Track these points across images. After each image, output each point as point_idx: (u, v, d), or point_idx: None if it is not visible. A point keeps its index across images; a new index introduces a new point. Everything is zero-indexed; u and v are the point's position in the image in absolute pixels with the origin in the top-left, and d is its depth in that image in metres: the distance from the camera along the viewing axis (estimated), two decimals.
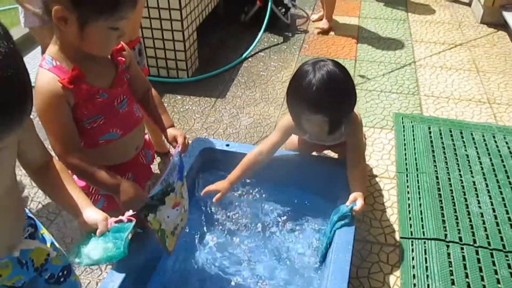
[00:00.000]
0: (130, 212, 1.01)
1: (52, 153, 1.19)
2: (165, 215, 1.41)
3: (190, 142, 1.74)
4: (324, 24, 3.87)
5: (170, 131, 1.48)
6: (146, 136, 1.58)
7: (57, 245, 1.27)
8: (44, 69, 1.21)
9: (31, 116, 0.89)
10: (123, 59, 1.35)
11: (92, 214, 1.10)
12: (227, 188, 1.78)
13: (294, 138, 2.08)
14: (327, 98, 1.64)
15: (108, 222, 1.09)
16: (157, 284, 1.64)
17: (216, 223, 1.89)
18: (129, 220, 1.04)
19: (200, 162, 2.00)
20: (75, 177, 1.35)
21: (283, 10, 3.86)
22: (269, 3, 3.65)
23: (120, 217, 1.00)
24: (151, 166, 1.63)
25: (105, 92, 1.29)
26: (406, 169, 2.33)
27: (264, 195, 1.97)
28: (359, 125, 1.85)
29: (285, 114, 1.94)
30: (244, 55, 3.40)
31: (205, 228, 1.87)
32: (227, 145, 2.04)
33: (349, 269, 1.50)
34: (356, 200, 1.66)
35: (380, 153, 2.47)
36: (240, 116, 2.79)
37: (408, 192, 2.19)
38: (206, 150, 2.03)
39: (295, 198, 1.96)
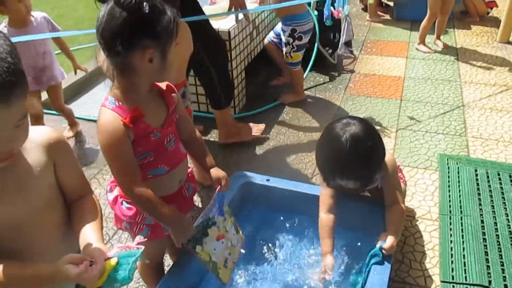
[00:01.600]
0: (139, 239, 1.05)
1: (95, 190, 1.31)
2: (211, 247, 1.51)
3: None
4: (291, 97, 3.51)
5: (213, 172, 1.57)
6: (189, 170, 1.68)
7: None
8: (107, 109, 1.32)
9: (71, 145, 1.03)
10: (174, 100, 1.47)
11: (92, 247, 1.07)
12: (333, 259, 1.74)
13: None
14: (357, 168, 1.70)
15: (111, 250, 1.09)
16: None
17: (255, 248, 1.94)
18: (138, 248, 1.07)
19: (240, 195, 2.07)
20: (123, 207, 1.48)
21: (330, 50, 3.97)
22: (316, 44, 3.77)
23: (128, 244, 1.05)
24: (193, 198, 1.72)
25: (158, 132, 1.40)
26: (450, 211, 2.28)
27: (304, 231, 2.01)
28: (392, 169, 1.85)
29: None
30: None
31: (250, 260, 1.92)
32: (268, 180, 2.11)
33: None
34: (391, 244, 1.64)
35: (423, 194, 2.44)
36: (284, 153, 2.86)
37: (451, 235, 2.13)
38: (246, 184, 2.10)
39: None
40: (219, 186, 1.56)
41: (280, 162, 2.76)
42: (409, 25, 4.99)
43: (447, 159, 2.68)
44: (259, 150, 2.90)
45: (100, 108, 1.35)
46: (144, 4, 1.21)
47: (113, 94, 1.34)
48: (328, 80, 3.80)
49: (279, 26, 3.39)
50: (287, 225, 2.07)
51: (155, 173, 1.45)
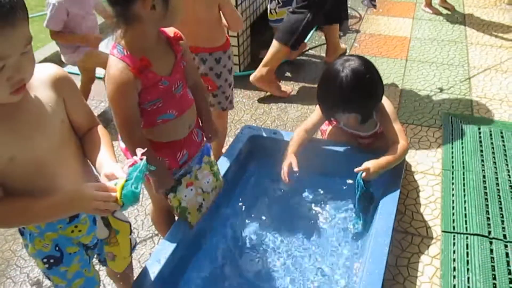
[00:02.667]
0: (141, 151, 1.06)
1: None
2: (182, 194, 1.60)
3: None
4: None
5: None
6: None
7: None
8: (116, 58, 1.33)
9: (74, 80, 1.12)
10: (181, 47, 1.48)
11: (109, 166, 1.10)
12: (296, 159, 1.90)
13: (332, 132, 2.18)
14: (356, 98, 1.81)
15: (123, 168, 1.10)
16: (203, 258, 1.76)
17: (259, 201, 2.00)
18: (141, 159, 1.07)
19: (248, 148, 2.11)
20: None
21: None
22: None
23: (134, 158, 1.04)
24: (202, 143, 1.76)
25: (166, 80, 1.41)
26: (452, 166, 2.32)
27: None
28: (393, 114, 1.95)
29: None
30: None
31: (246, 213, 1.98)
32: (274, 133, 2.14)
33: (387, 253, 1.56)
34: (365, 168, 1.77)
35: (426, 150, 2.48)
36: (288, 109, 2.89)
37: (453, 189, 2.19)
38: (255, 137, 2.14)
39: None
40: (209, 138, 1.66)
41: (286, 117, 2.79)
42: None
43: (451, 117, 2.71)
44: (265, 107, 2.92)
45: (109, 57, 1.36)
46: None
47: (121, 43, 1.34)
48: None
49: None
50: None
51: (164, 117, 1.47)
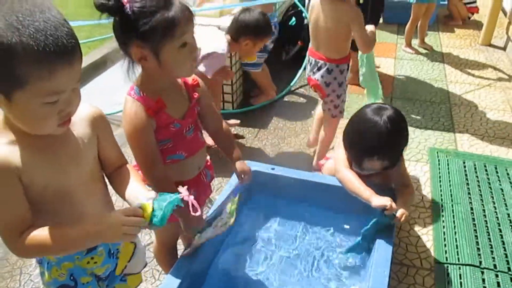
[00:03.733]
0: (186, 188, 1.12)
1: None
2: (207, 234, 1.62)
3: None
4: (261, 99, 3.54)
5: (238, 165, 1.69)
6: (208, 158, 1.76)
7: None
8: (132, 98, 1.40)
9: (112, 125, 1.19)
10: (196, 94, 1.55)
11: (145, 193, 1.15)
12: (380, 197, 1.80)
13: (331, 168, 2.24)
14: (394, 146, 1.87)
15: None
16: None
17: (262, 233, 2.05)
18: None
19: (248, 183, 2.17)
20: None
21: None
22: (310, 43, 3.89)
23: (180, 190, 1.11)
24: (211, 184, 1.82)
25: (179, 122, 1.48)
26: (441, 199, 2.43)
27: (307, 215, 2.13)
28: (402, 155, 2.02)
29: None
30: (284, 91, 3.63)
31: (253, 236, 2.02)
32: (272, 168, 2.21)
33: (387, 283, 1.61)
34: (404, 214, 1.78)
35: (416, 184, 2.58)
36: (281, 145, 2.98)
37: (443, 221, 2.28)
38: (253, 173, 2.20)
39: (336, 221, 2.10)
40: (241, 179, 1.69)
41: (281, 153, 2.88)
42: (396, 28, 5.17)
43: (437, 152, 2.84)
44: (259, 143, 3.01)
45: (125, 97, 1.43)
46: (127, 6, 1.24)
47: (138, 84, 1.41)
48: None
49: None
50: (292, 212, 2.18)
51: (174, 158, 1.53)
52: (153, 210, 1.05)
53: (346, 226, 2.07)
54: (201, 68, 2.52)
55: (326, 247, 2.02)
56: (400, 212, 1.76)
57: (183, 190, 1.11)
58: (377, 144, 1.83)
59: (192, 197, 1.11)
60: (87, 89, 3.91)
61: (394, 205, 1.77)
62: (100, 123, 1.22)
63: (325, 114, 2.57)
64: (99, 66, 4.31)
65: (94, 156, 1.22)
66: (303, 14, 3.85)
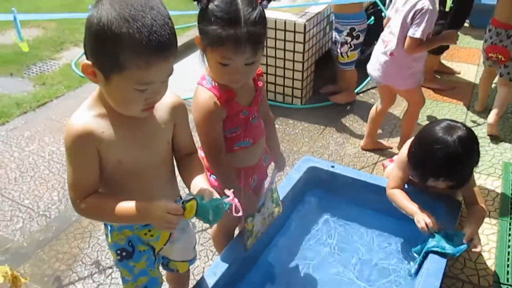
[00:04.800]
0: (231, 191, 1.17)
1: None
2: (257, 220, 1.69)
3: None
4: (342, 97, 3.53)
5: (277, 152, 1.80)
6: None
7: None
8: (204, 88, 1.48)
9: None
10: (261, 82, 1.62)
11: (203, 185, 1.24)
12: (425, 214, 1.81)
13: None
14: (462, 169, 1.78)
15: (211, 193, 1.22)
16: (257, 274, 1.84)
17: (313, 230, 2.07)
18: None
19: (305, 178, 2.20)
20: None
21: None
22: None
23: (227, 193, 1.17)
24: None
25: (246, 110, 1.55)
26: (510, 217, 2.29)
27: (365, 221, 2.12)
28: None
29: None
30: (356, 90, 3.58)
31: (304, 232, 2.06)
32: (332, 166, 2.22)
33: None
34: (472, 239, 1.74)
35: (484, 198, 2.45)
36: (345, 145, 2.96)
37: (509, 240, 2.16)
38: (312, 169, 2.22)
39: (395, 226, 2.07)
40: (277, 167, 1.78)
41: (343, 152, 2.86)
42: (483, 32, 4.86)
43: None
44: (324, 141, 3.01)
45: (197, 86, 1.51)
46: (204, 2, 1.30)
47: (209, 73, 1.48)
48: None
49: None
50: (348, 212, 2.17)
51: (242, 145, 1.60)
52: (198, 208, 1.13)
53: (401, 232, 2.03)
54: (410, 31, 2.42)
55: (376, 251, 2.00)
56: (479, 248, 1.74)
57: (230, 193, 1.17)
58: (445, 166, 1.75)
59: (236, 200, 1.16)
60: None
61: (433, 223, 1.75)
62: (179, 111, 1.31)
63: (504, 79, 2.98)
64: (178, 54, 4.51)
65: (167, 141, 1.31)
66: (383, 14, 3.76)
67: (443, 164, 1.74)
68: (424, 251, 1.74)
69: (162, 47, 1.03)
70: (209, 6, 1.31)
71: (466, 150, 1.73)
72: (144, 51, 1.01)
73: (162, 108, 1.26)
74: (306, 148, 2.93)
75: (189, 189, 1.26)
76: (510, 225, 2.24)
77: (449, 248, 1.69)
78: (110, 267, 2.09)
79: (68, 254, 2.17)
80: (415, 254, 1.82)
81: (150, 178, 1.29)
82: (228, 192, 1.18)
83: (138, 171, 1.25)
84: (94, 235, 2.28)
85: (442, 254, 1.70)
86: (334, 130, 3.14)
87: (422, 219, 1.77)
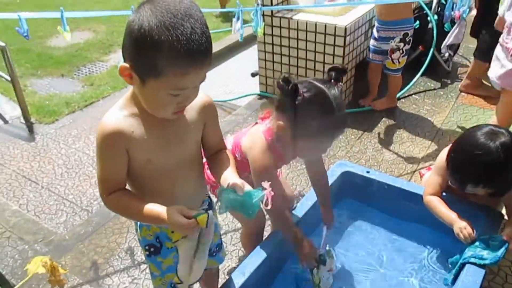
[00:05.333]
0: (269, 183, 1.18)
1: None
2: (322, 274, 1.71)
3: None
4: (383, 103, 3.45)
5: (327, 212, 1.92)
6: None
7: (218, 226, 1.58)
8: (268, 145, 1.62)
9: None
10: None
11: (236, 179, 1.22)
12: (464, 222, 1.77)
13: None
14: (504, 177, 1.69)
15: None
16: (285, 276, 1.84)
17: (345, 237, 2.04)
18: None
19: (339, 183, 2.17)
20: None
21: (445, 56, 3.86)
22: (432, 49, 3.69)
23: (264, 185, 1.17)
24: None
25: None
26: None
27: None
28: None
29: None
30: (398, 95, 3.50)
31: (336, 239, 2.03)
32: (368, 171, 2.18)
33: None
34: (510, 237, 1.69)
35: None
36: (383, 151, 2.90)
37: None
38: (347, 173, 2.19)
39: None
40: (327, 225, 1.87)
41: (381, 158, 2.80)
42: None
43: None
44: (361, 146, 2.96)
45: (261, 135, 1.66)
46: (300, 98, 1.48)
47: (277, 133, 1.61)
48: (439, 86, 3.71)
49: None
50: (381, 220, 2.12)
51: None
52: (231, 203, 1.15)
53: (437, 242, 1.97)
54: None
55: (411, 261, 1.94)
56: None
57: (267, 186, 1.17)
58: (486, 173, 1.68)
59: (271, 191, 1.17)
60: (208, 75, 4.19)
61: (470, 233, 1.69)
62: (209, 111, 1.33)
63: None
64: (220, 57, 4.60)
65: (196, 140, 1.34)
66: (428, 18, 3.66)
67: (483, 171, 1.67)
68: (460, 262, 1.68)
69: (199, 55, 1.04)
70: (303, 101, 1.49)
71: (509, 158, 1.64)
72: (182, 59, 1.03)
73: (192, 108, 1.28)
74: (342, 153, 2.89)
75: (219, 182, 1.27)
76: None
77: (487, 256, 1.63)
78: (144, 263, 2.16)
79: (106, 248, 2.25)
80: (450, 266, 1.75)
81: (179, 177, 1.32)
82: (265, 184, 1.18)
83: (166, 170, 1.28)
84: (131, 230, 2.36)
85: (480, 266, 1.63)
86: (372, 135, 3.08)
87: (461, 228, 1.71)
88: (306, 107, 1.48)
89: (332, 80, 1.55)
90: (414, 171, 2.69)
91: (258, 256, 1.72)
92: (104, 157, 1.22)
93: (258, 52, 3.51)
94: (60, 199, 2.67)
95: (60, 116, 3.61)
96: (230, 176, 1.24)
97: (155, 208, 1.18)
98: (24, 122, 3.50)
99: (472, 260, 1.65)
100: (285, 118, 1.54)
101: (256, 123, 1.76)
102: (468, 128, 1.86)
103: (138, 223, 1.44)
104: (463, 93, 3.59)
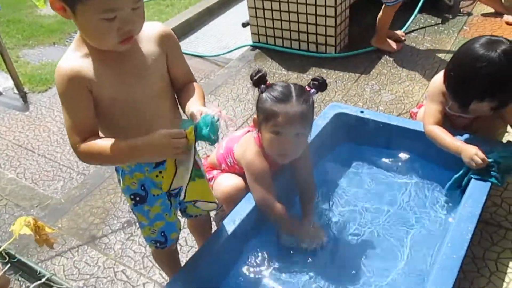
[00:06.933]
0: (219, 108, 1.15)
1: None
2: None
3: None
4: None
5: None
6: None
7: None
8: (259, 150, 1.69)
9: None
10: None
11: (197, 106, 1.20)
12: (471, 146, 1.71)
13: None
14: (507, 86, 1.62)
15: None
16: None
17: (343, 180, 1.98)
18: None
19: (332, 125, 2.09)
20: None
21: None
22: None
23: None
24: None
25: None
26: None
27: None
28: None
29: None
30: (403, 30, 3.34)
31: (334, 184, 1.98)
32: (362, 111, 2.09)
33: (469, 240, 1.46)
34: None
35: None
36: (382, 92, 2.79)
37: None
38: (340, 115, 2.11)
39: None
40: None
41: (378, 100, 2.70)
42: None
43: None
44: (358, 89, 2.86)
45: (250, 138, 1.74)
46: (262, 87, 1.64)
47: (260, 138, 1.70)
48: (440, 22, 3.52)
49: None
50: (380, 160, 2.06)
51: None
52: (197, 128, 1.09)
53: (436, 176, 1.90)
54: None
55: (412, 198, 1.89)
56: None
57: (214, 107, 1.13)
58: (492, 84, 1.61)
59: (223, 112, 1.14)
60: (201, 32, 4.10)
61: (482, 156, 1.63)
62: (168, 41, 1.27)
63: None
64: (212, 12, 4.45)
65: (161, 74, 1.27)
66: None
67: (488, 83, 1.60)
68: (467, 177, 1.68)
69: None
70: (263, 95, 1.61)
71: (509, 66, 1.58)
72: None
73: (149, 40, 1.23)
74: (339, 97, 2.79)
75: (186, 114, 1.22)
76: None
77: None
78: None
79: (101, 209, 2.24)
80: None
81: (148, 114, 1.26)
82: (213, 106, 1.14)
83: (134, 107, 1.23)
84: None
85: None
86: (369, 77, 2.96)
87: (473, 155, 1.64)
88: (265, 94, 1.60)
89: (308, 87, 1.65)
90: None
91: (248, 203, 1.68)
92: (68, 103, 1.17)
93: (247, 0, 3.35)
94: (56, 165, 2.65)
95: (52, 84, 3.55)
96: (191, 106, 1.19)
97: (137, 140, 1.12)
98: (17, 92, 3.45)
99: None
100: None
101: (249, 130, 1.78)
102: (463, 44, 1.75)
103: (120, 172, 1.38)
104: (465, 27, 3.41)
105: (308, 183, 1.78)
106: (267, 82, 1.64)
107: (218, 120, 1.11)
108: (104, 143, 1.15)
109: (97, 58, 1.16)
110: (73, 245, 2.06)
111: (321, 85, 1.66)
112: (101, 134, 1.23)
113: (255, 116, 1.68)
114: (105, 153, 1.14)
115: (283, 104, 1.57)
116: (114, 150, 1.13)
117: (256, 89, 1.65)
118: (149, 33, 1.24)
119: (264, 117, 1.61)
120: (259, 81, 1.63)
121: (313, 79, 1.66)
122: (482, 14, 3.56)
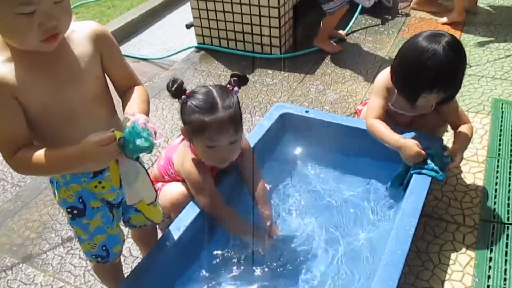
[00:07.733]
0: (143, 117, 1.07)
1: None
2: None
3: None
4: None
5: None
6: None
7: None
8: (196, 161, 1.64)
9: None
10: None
11: (131, 109, 1.14)
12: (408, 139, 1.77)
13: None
14: (456, 74, 1.69)
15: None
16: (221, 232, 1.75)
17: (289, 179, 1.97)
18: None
19: (278, 126, 2.07)
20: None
21: None
22: None
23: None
24: None
25: None
26: (499, 154, 2.17)
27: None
28: None
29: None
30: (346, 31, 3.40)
31: (280, 181, 1.96)
32: (306, 111, 2.09)
33: (412, 235, 1.48)
34: (455, 154, 1.75)
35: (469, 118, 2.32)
36: (326, 92, 2.82)
37: (497, 177, 2.05)
38: (286, 115, 2.10)
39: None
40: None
41: (324, 99, 2.73)
42: None
43: (502, 104, 2.53)
44: (303, 89, 2.87)
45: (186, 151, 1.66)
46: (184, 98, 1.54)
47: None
48: (380, 23, 3.63)
49: None
50: (325, 158, 2.06)
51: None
52: (124, 139, 1.02)
53: (380, 174, 1.93)
54: None
55: (356, 194, 1.90)
56: (457, 160, 1.76)
57: (140, 117, 1.05)
58: (439, 75, 1.65)
59: (147, 122, 1.05)
60: (145, 34, 3.98)
61: (419, 151, 1.70)
62: (102, 40, 1.18)
63: None
64: (157, 13, 4.34)
65: (96, 76, 1.18)
66: None
67: (436, 74, 1.64)
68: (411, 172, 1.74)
69: None
70: (186, 103, 1.52)
71: (457, 54, 1.65)
72: None
73: (81, 40, 1.13)
74: (285, 98, 2.79)
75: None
76: (498, 162, 2.13)
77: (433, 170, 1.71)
78: None
79: (38, 222, 2.09)
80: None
81: (84, 122, 1.16)
82: (140, 116, 1.05)
83: (67, 113, 1.13)
84: None
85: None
86: (314, 77, 2.98)
87: (410, 147, 1.71)
88: (188, 104, 1.51)
89: (229, 85, 1.56)
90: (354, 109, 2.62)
91: (193, 209, 1.63)
92: None
93: (190, 1, 3.28)
94: None
95: None
96: (124, 112, 1.13)
97: (70, 149, 1.04)
98: None
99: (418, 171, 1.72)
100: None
101: (183, 139, 1.68)
102: (406, 40, 1.79)
103: (55, 183, 1.28)
104: (404, 27, 3.53)
105: (255, 173, 1.73)
106: (186, 92, 1.53)
107: (146, 131, 1.03)
108: (37, 153, 1.06)
109: (22, 61, 1.05)
110: (6, 263, 1.91)
111: (241, 80, 1.57)
112: (36, 143, 1.13)
113: (182, 127, 1.59)
114: (39, 163, 1.05)
115: (210, 115, 1.47)
116: (49, 158, 1.05)
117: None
118: (82, 32, 1.14)
119: (192, 130, 1.53)
120: (178, 92, 1.52)
121: (232, 75, 1.57)
122: (419, 16, 3.70)
